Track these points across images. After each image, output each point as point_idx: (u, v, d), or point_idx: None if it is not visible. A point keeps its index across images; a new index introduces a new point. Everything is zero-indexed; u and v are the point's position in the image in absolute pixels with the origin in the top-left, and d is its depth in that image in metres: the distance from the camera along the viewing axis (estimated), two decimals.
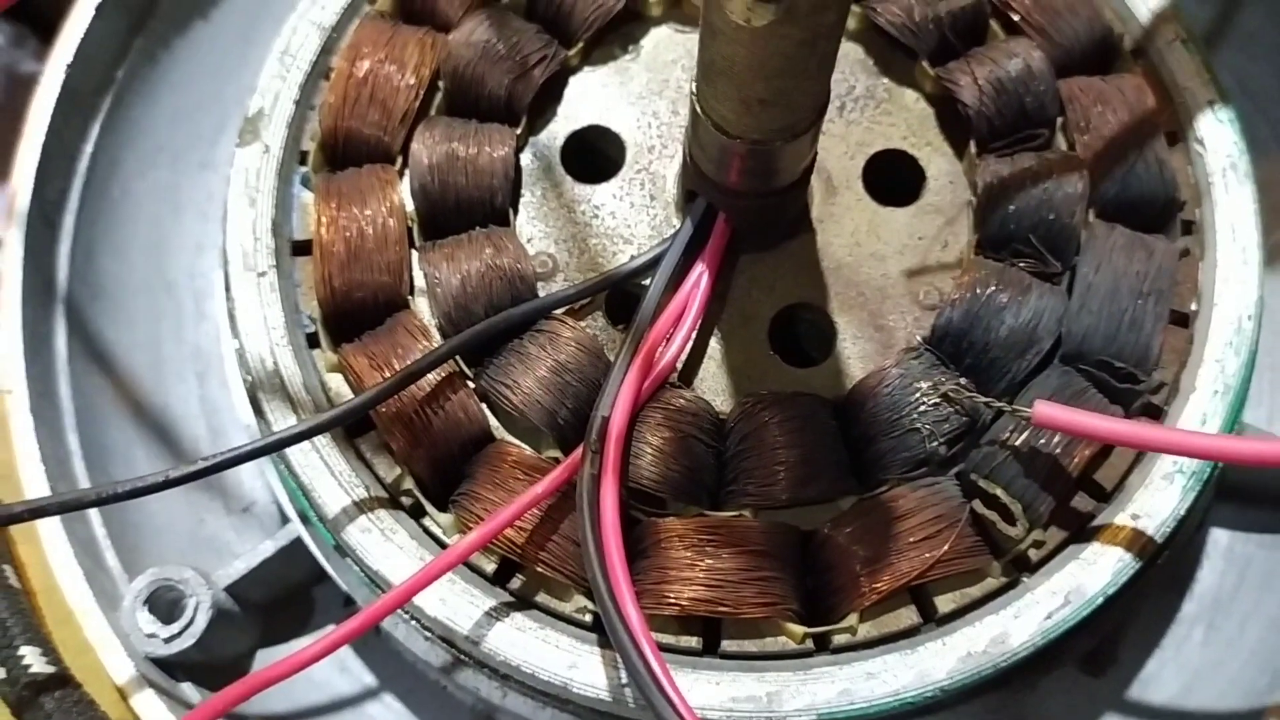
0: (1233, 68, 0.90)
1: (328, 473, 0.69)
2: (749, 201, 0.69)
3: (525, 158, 0.77)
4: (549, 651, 0.65)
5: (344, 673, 0.79)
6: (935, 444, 0.68)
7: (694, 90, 0.63)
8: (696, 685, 0.64)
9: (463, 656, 0.68)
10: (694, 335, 0.71)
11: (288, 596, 0.79)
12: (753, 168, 0.66)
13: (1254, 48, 0.89)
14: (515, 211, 0.76)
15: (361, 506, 0.68)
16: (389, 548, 0.67)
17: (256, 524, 0.81)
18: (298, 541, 0.74)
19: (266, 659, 0.77)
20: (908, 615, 0.67)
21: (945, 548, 0.66)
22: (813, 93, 0.60)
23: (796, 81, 0.58)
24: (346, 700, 0.78)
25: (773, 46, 0.55)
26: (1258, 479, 0.79)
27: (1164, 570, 0.78)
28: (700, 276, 0.71)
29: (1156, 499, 0.68)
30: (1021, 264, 0.71)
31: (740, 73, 0.58)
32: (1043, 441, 0.67)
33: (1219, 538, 0.81)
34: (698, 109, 0.64)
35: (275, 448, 0.64)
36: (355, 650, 0.79)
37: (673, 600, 0.65)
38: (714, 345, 0.73)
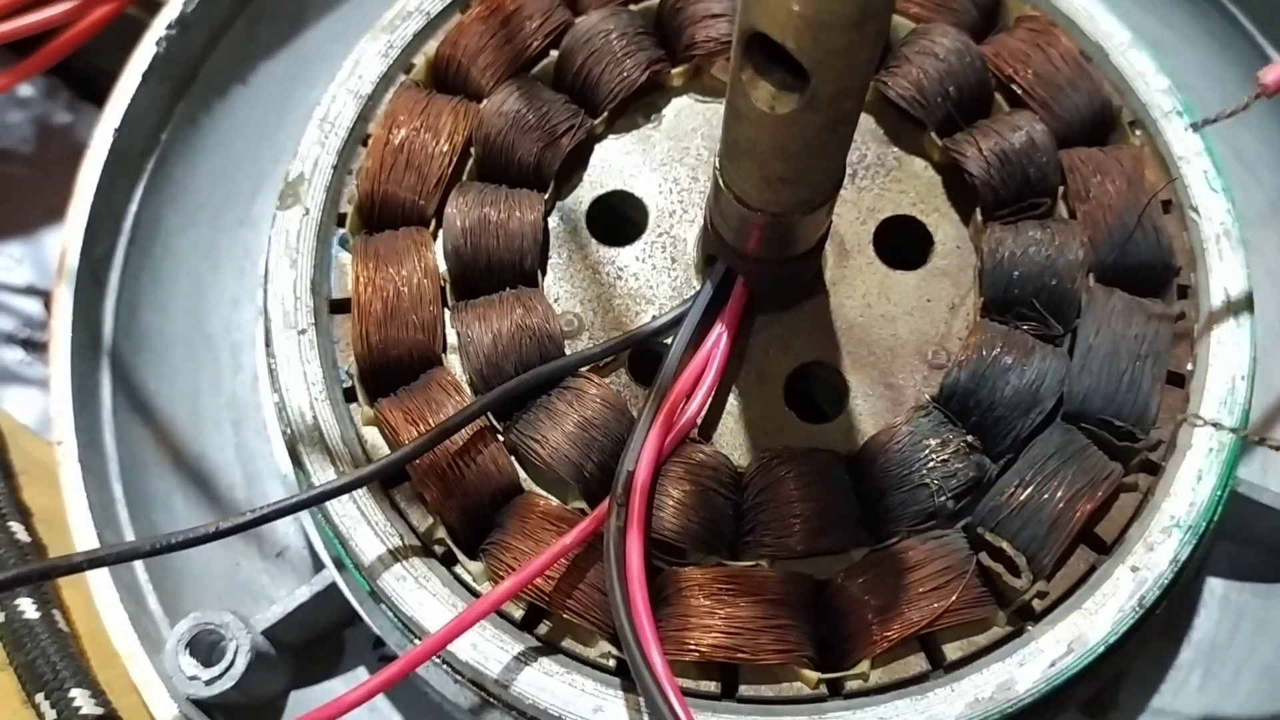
0: (1225, 136, 0.94)
1: (364, 522, 0.72)
2: (767, 267, 0.73)
3: (553, 221, 0.81)
4: (575, 695, 0.68)
5: (373, 713, 0.82)
6: (943, 498, 0.71)
7: (717, 165, 0.67)
8: None
9: (491, 699, 0.71)
10: (714, 392, 0.75)
11: (320, 639, 0.82)
12: (771, 237, 0.70)
13: (1246, 117, 0.93)
14: (543, 273, 0.79)
15: (396, 555, 0.72)
16: (423, 594, 0.71)
17: (289, 568, 0.84)
18: (333, 587, 0.77)
19: (299, 699, 0.80)
20: (917, 662, 0.70)
21: (953, 598, 0.69)
22: (831, 170, 0.64)
23: (816, 161, 0.62)
24: None
25: (794, 131, 0.59)
26: (1251, 528, 0.82)
27: (1162, 618, 0.82)
28: (720, 336, 0.74)
29: (1154, 552, 0.71)
30: (1025, 327, 0.75)
31: (763, 154, 0.62)
32: (1045, 497, 0.71)
33: (1215, 586, 0.84)
34: (720, 183, 0.67)
35: (318, 500, 0.67)
36: (384, 692, 0.82)
37: (693, 646, 0.69)
38: (732, 402, 0.76)
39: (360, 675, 0.83)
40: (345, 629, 0.83)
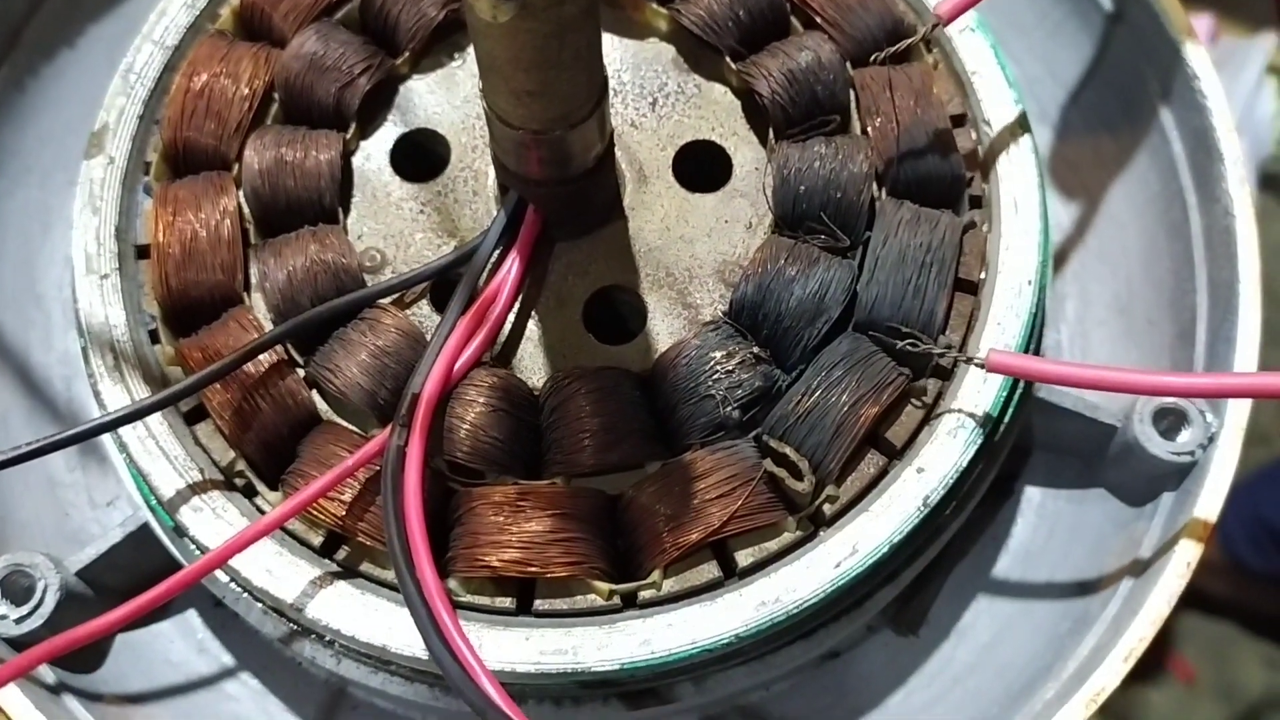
0: (1043, 55, 0.95)
1: (163, 458, 0.73)
2: (552, 190, 0.74)
3: (358, 160, 0.82)
4: (368, 615, 0.70)
5: (202, 653, 0.83)
6: (729, 409, 0.72)
7: (479, 89, 0.69)
8: (507, 641, 0.68)
9: (294, 625, 0.72)
10: (508, 319, 0.76)
11: (148, 583, 0.83)
12: (545, 157, 0.71)
13: (1061, 36, 0.94)
14: (346, 211, 0.80)
15: (195, 489, 0.73)
16: (220, 525, 0.72)
17: (119, 517, 0.85)
18: (145, 528, 0.78)
19: (125, 640, 0.81)
20: (709, 570, 0.71)
21: (739, 504, 0.70)
22: (577, 82, 0.65)
23: (555, 72, 0.63)
24: (205, 679, 0.82)
25: (522, 40, 0.60)
26: (1065, 438, 0.84)
27: (979, 529, 0.83)
28: (512, 263, 0.75)
29: (939, 453, 0.72)
30: (814, 240, 0.76)
31: (502, 67, 0.63)
32: (830, 402, 0.72)
33: (1032, 495, 0.85)
34: (484, 106, 0.69)
35: (96, 432, 0.68)
36: (213, 631, 0.83)
37: (484, 563, 0.70)
38: (531, 327, 0.78)
39: (190, 618, 0.84)
40: (175, 571, 0.83)
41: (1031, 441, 0.85)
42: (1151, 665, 2.27)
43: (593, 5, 0.61)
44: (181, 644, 0.83)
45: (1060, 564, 0.82)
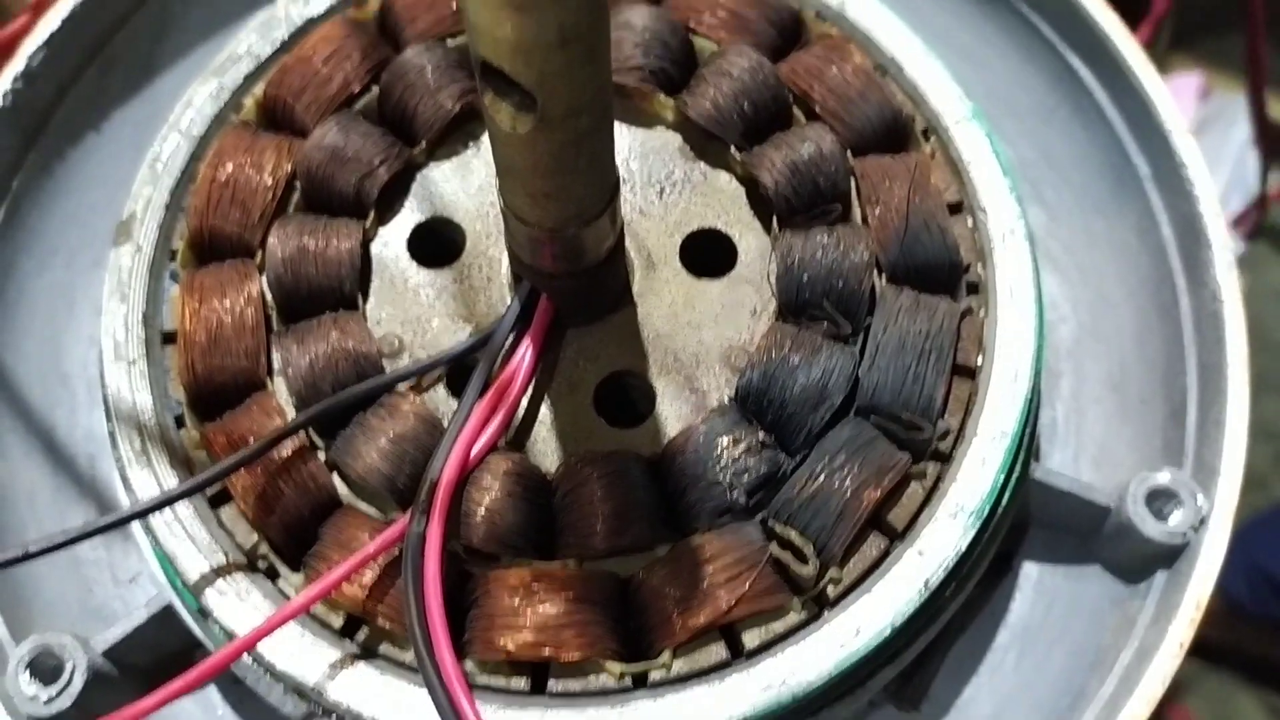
0: (1038, 139, 0.99)
1: (189, 541, 0.75)
2: (564, 281, 0.77)
3: (376, 247, 0.85)
4: (387, 697, 0.72)
5: None
6: (736, 493, 0.75)
7: (497, 188, 0.72)
8: None
9: (315, 706, 0.74)
10: (522, 404, 0.79)
11: (170, 662, 0.85)
12: (559, 252, 0.74)
13: (1055, 122, 0.98)
14: (365, 297, 0.83)
15: (220, 572, 0.75)
16: (244, 607, 0.74)
17: (141, 594, 0.87)
18: (169, 608, 0.80)
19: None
20: (717, 651, 0.74)
21: (746, 586, 0.73)
22: (590, 185, 0.68)
23: (571, 177, 0.66)
24: None
25: (542, 149, 0.63)
26: (1061, 516, 0.86)
27: (979, 605, 0.86)
28: (526, 350, 0.78)
29: (940, 536, 0.75)
30: (817, 328, 0.79)
31: (522, 172, 0.66)
32: (834, 486, 0.74)
33: (1030, 571, 0.88)
34: (502, 204, 0.72)
35: (129, 519, 0.71)
36: (233, 707, 0.85)
37: (500, 645, 0.72)
38: (544, 412, 0.80)
39: (211, 694, 0.86)
40: (197, 650, 0.86)
41: (1029, 518, 0.88)
42: (1153, 717, 2.28)
43: (606, 116, 0.65)
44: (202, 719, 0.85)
45: (1058, 640, 0.84)
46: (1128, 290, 0.93)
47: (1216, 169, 2.18)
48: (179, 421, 0.80)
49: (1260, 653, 2.30)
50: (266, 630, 0.69)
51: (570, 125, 0.61)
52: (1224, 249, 0.84)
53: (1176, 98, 2.20)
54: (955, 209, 0.84)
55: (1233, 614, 2.22)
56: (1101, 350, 0.93)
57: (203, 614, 0.76)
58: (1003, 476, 0.76)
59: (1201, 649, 2.31)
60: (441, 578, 0.69)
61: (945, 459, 0.78)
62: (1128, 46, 0.92)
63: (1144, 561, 0.82)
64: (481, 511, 0.74)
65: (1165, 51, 2.14)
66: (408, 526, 0.71)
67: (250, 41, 0.90)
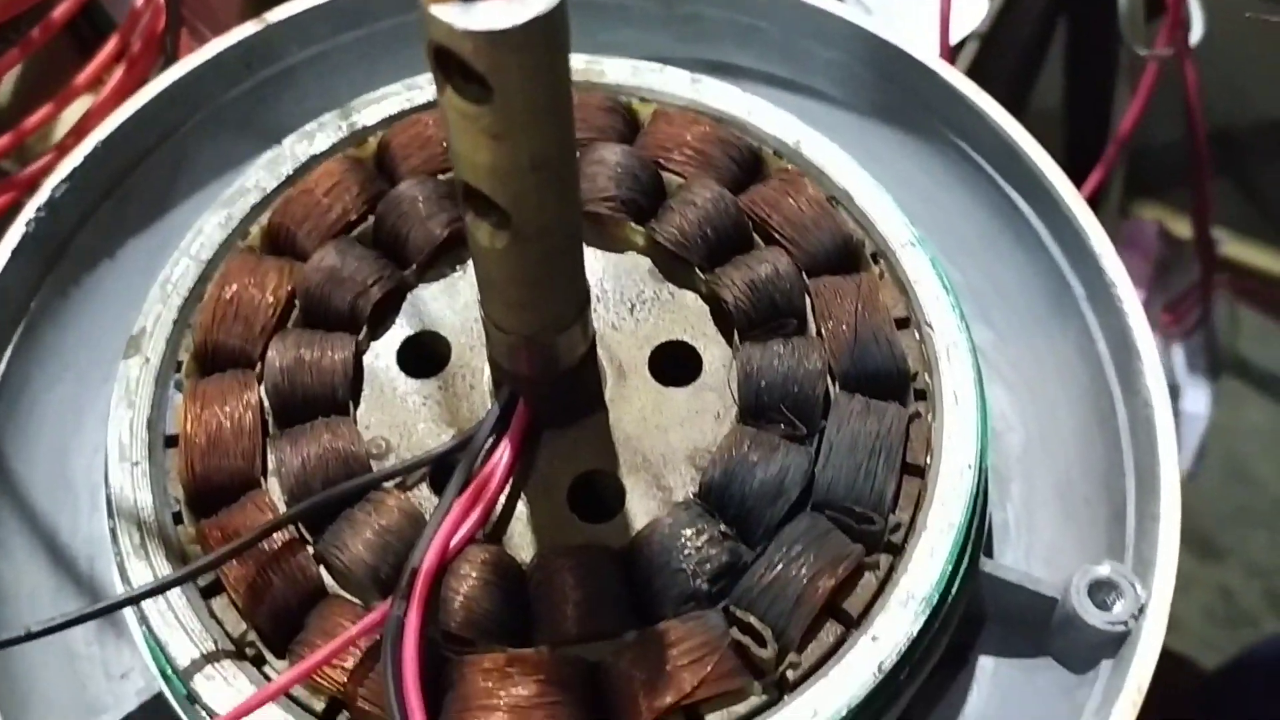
0: (983, 266, 1.07)
1: (181, 629, 0.80)
2: (540, 385, 0.83)
3: (368, 359, 0.92)
4: None
5: None
6: (698, 582, 0.80)
7: (478, 300, 0.79)
8: None
9: None
10: (500, 499, 0.84)
11: None
12: (534, 357, 0.81)
13: (997, 249, 1.06)
14: (356, 404, 0.89)
15: (209, 658, 0.79)
16: (230, 691, 0.78)
17: (133, 690, 0.91)
18: (159, 697, 0.84)
19: None
20: None
21: (709, 669, 0.77)
22: (563, 295, 0.76)
23: (544, 288, 0.73)
24: None
25: (517, 263, 0.70)
26: (1013, 609, 0.90)
27: (937, 697, 0.89)
28: (504, 450, 0.84)
29: (892, 623, 0.79)
30: (774, 429, 0.85)
31: (500, 284, 0.73)
32: (791, 575, 0.79)
33: (986, 664, 0.91)
34: (481, 314, 0.79)
35: (119, 606, 0.75)
36: None
37: None
38: (521, 508, 0.85)
39: None
40: None
41: (984, 613, 0.92)
42: None
43: (576, 234, 0.72)
44: None
45: None
46: (1070, 401, 1.00)
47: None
48: (177, 518, 0.86)
49: None
50: (248, 709, 0.72)
51: (542, 240, 0.69)
52: (1152, 359, 0.91)
53: (1139, 240, 2.31)
54: (903, 324, 0.91)
55: None
56: (1048, 457, 0.99)
57: (190, 699, 0.80)
58: (950, 566, 0.81)
59: None
60: (420, 660, 0.74)
61: (897, 550, 0.83)
62: (1060, 182, 1.00)
63: (1090, 650, 0.86)
64: (459, 599, 0.79)
65: (1124, 199, 2.26)
66: (388, 611, 0.76)
67: (258, 176, 0.98)
